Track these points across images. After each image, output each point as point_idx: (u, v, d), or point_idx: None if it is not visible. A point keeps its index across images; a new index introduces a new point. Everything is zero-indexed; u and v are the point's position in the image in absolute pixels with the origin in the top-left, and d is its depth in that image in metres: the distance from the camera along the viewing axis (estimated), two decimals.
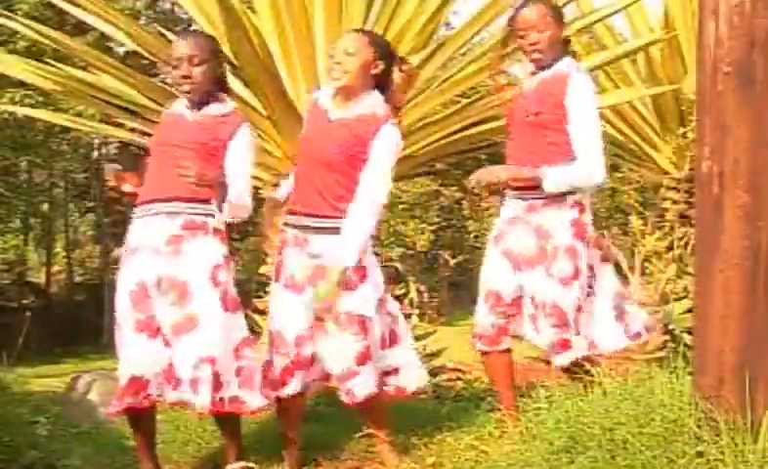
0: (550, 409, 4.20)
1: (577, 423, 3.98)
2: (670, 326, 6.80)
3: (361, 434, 4.91)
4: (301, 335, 4.68)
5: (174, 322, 4.54)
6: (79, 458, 4.98)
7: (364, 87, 4.75)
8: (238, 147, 4.71)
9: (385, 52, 4.80)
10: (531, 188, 4.90)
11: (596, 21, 8.67)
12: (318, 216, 4.70)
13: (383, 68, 4.76)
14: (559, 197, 4.89)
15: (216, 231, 4.66)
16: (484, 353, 5.12)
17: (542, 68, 4.97)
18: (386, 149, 4.69)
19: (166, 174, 4.58)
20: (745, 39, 3.76)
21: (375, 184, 4.67)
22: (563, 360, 4.91)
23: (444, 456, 4.75)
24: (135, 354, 4.55)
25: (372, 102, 4.75)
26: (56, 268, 26.33)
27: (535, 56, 4.94)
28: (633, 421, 3.81)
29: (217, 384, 4.52)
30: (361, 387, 4.68)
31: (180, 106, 4.82)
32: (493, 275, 5.03)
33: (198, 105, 4.74)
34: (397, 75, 4.84)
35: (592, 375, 4.36)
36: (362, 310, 4.69)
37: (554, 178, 4.83)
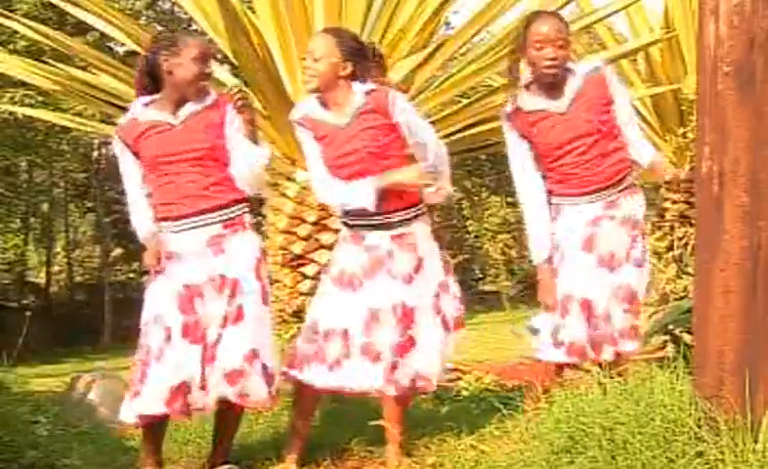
0: (550, 409, 4.18)
1: (577, 423, 3.97)
2: (670, 326, 6.79)
3: (373, 423, 4.91)
4: (332, 330, 4.76)
5: (226, 314, 4.60)
6: (79, 458, 4.98)
7: (342, 85, 4.78)
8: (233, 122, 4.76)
9: (352, 52, 4.80)
10: (608, 187, 4.90)
11: (596, 22, 8.69)
12: (371, 215, 4.79)
13: (351, 70, 4.77)
14: (633, 184, 4.99)
15: (251, 225, 4.78)
16: (561, 366, 4.98)
17: (550, 87, 4.88)
18: (409, 110, 4.85)
19: (186, 188, 4.63)
20: (744, 39, 3.75)
21: (430, 134, 4.89)
22: (630, 347, 4.92)
23: (444, 456, 4.74)
24: (183, 359, 4.53)
25: (358, 91, 4.78)
26: (56, 268, 26.19)
27: (552, 71, 4.82)
28: (633, 421, 3.80)
29: (267, 376, 4.64)
30: (403, 378, 4.79)
31: (155, 113, 4.72)
32: (586, 282, 4.88)
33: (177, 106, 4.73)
34: (372, 70, 4.87)
35: (592, 375, 4.37)
36: (415, 302, 4.82)
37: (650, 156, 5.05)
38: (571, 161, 4.90)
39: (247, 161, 4.69)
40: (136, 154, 4.73)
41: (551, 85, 4.88)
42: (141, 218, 4.80)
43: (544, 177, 4.99)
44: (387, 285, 4.78)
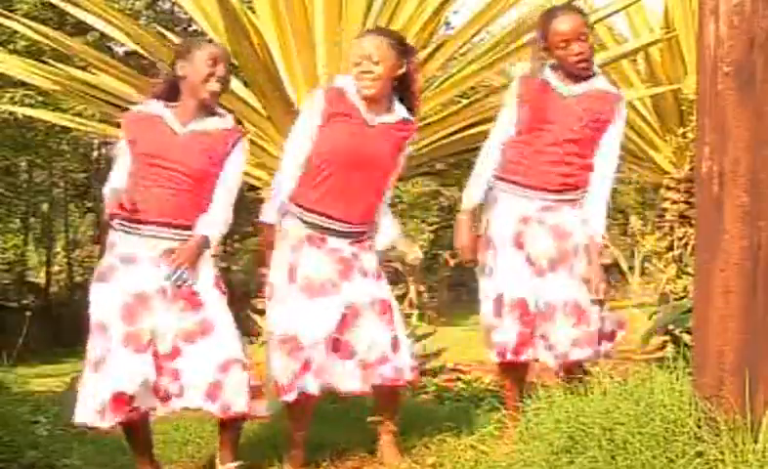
0: (550, 410, 4.19)
1: (577, 423, 3.97)
2: (670, 326, 6.79)
3: (370, 420, 4.93)
4: (318, 339, 4.66)
5: (185, 330, 4.49)
6: (79, 458, 4.97)
7: (390, 90, 4.78)
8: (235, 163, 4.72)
9: (404, 51, 4.79)
10: (548, 189, 4.92)
11: (596, 22, 8.68)
12: (353, 222, 4.77)
13: (405, 69, 4.79)
14: (574, 199, 4.95)
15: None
16: (506, 364, 5.03)
17: (580, 79, 4.94)
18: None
19: (163, 199, 4.53)
20: (744, 39, 3.76)
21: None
22: (581, 354, 4.88)
23: (444, 457, 4.74)
24: (119, 369, 4.41)
25: (399, 108, 4.81)
26: (56, 268, 26.03)
27: (583, 65, 4.89)
28: (633, 421, 3.81)
29: (248, 385, 4.52)
30: (393, 371, 4.76)
31: (168, 114, 4.64)
32: (518, 281, 4.93)
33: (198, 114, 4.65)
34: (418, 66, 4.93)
35: (591, 375, 4.38)
36: (390, 298, 4.84)
37: (600, 224, 4.97)
38: (536, 143, 4.93)
39: (211, 218, 4.60)
40: (131, 143, 4.62)
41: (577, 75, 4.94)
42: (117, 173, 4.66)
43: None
44: (362, 282, 4.75)
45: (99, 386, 4.42)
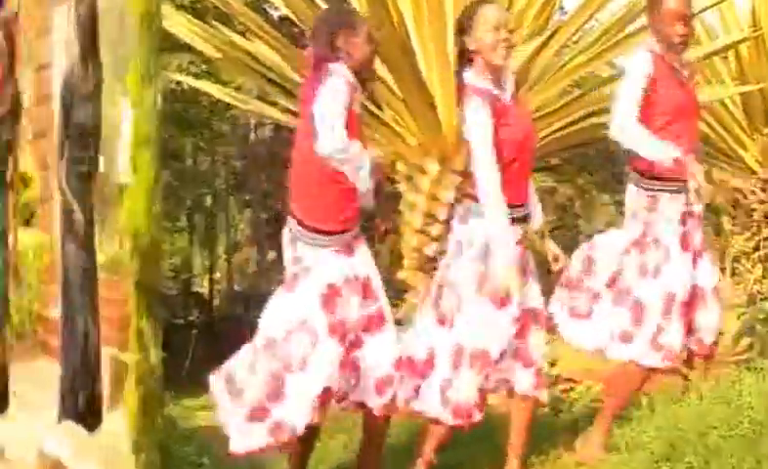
0: (651, 417, 4.29)
1: (676, 430, 4.07)
2: (757, 327, 6.73)
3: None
4: (504, 350, 4.50)
5: (367, 317, 4.38)
6: None
7: None
8: None
9: None
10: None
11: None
12: (524, 204, 4.60)
13: None
14: None
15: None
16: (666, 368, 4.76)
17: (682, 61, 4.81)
18: None
19: (354, 204, 4.44)
20: None
21: None
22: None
23: None
24: (327, 362, 4.30)
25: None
26: (217, 275, 22.52)
27: (683, 47, 4.76)
28: (724, 424, 3.94)
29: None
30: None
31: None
32: (686, 284, 4.71)
33: None
34: None
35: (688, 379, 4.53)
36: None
37: None
38: (684, 136, 4.73)
39: None
40: None
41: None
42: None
43: None
44: (533, 283, 4.60)
45: (308, 382, 4.31)
